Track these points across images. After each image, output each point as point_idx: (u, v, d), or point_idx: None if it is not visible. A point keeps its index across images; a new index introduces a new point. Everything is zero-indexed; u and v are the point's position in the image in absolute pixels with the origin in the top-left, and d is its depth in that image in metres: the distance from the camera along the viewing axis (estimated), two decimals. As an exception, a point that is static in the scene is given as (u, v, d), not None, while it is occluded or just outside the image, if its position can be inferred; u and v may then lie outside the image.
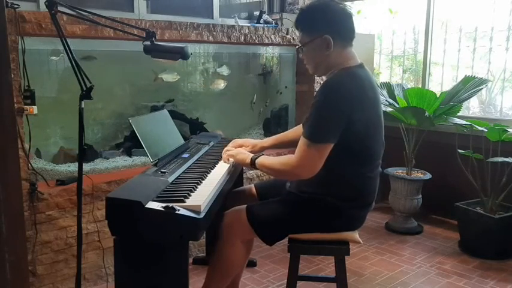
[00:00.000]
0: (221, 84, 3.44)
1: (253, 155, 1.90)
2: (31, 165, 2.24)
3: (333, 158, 1.67)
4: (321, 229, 1.83)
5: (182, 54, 1.86)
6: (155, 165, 1.89)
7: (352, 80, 1.69)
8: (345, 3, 1.82)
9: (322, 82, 2.02)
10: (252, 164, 1.86)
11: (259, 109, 3.75)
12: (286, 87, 3.74)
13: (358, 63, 1.78)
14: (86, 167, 2.55)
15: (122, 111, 3.07)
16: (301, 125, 1.82)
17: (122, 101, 3.08)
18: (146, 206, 1.40)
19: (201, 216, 1.42)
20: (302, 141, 1.67)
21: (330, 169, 1.70)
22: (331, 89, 1.66)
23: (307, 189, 1.82)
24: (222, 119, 3.60)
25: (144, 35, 1.84)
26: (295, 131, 2.14)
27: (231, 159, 2.02)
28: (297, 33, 1.82)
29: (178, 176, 1.81)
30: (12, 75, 2.02)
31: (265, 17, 3.51)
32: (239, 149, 2.08)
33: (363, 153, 1.76)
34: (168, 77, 3.08)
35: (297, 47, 1.76)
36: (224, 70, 3.44)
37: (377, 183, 1.86)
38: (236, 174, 2.09)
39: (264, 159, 1.84)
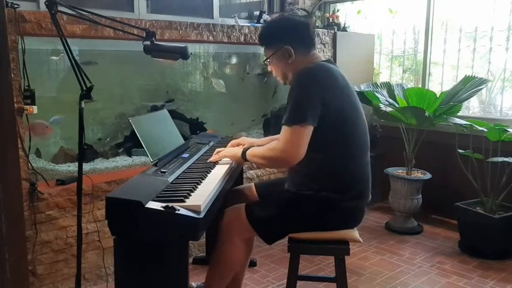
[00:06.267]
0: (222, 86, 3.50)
1: (243, 148, 1.94)
2: (31, 165, 2.24)
3: (319, 149, 1.73)
4: (318, 226, 1.83)
5: (182, 54, 1.86)
6: (155, 165, 1.89)
7: (320, 69, 1.79)
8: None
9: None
10: (243, 157, 1.90)
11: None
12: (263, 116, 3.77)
13: (323, 59, 1.88)
14: (86, 166, 2.55)
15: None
16: None
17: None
18: (146, 206, 1.40)
19: (201, 216, 1.42)
20: (282, 128, 1.74)
21: (318, 160, 1.75)
22: (301, 76, 1.77)
23: (302, 186, 1.84)
24: (221, 118, 3.60)
25: (144, 34, 1.85)
26: None
27: (226, 159, 2.05)
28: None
29: (178, 175, 1.81)
30: (12, 75, 2.02)
31: (265, 16, 3.50)
32: (230, 148, 2.12)
33: (346, 141, 1.80)
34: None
35: (263, 60, 1.88)
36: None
37: (368, 173, 1.89)
38: (236, 173, 2.09)
39: (253, 149, 1.89)
